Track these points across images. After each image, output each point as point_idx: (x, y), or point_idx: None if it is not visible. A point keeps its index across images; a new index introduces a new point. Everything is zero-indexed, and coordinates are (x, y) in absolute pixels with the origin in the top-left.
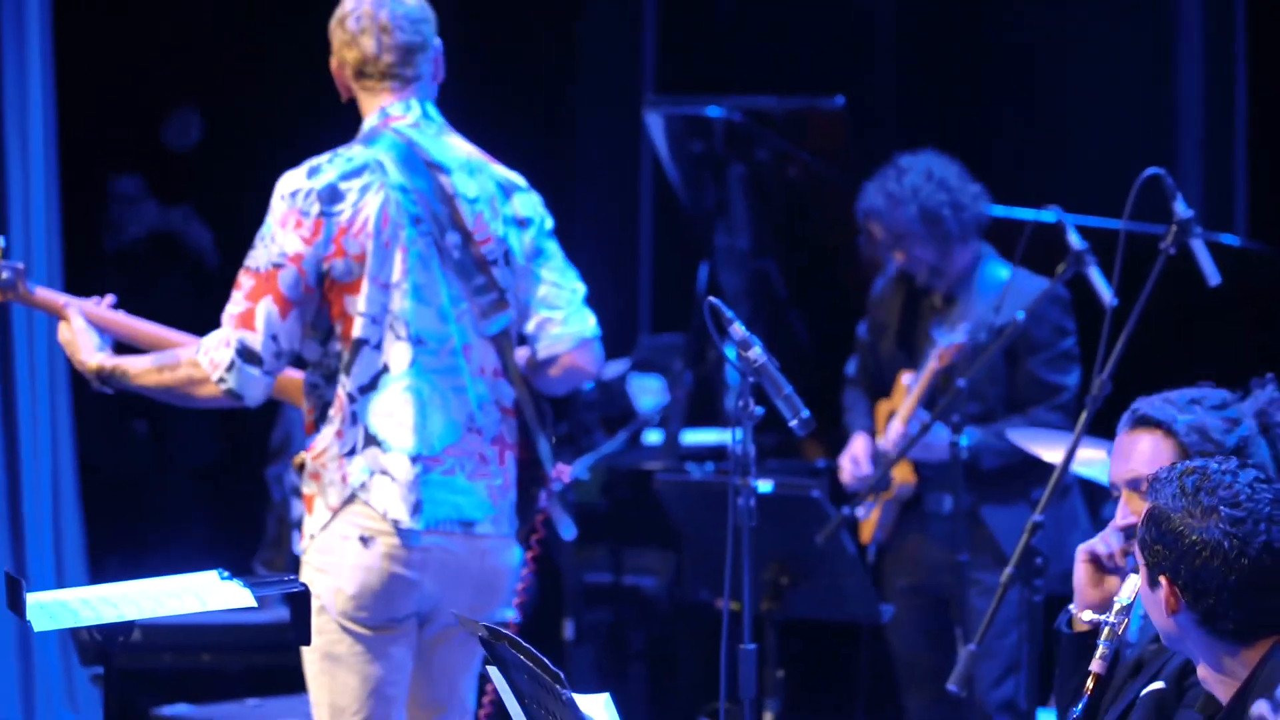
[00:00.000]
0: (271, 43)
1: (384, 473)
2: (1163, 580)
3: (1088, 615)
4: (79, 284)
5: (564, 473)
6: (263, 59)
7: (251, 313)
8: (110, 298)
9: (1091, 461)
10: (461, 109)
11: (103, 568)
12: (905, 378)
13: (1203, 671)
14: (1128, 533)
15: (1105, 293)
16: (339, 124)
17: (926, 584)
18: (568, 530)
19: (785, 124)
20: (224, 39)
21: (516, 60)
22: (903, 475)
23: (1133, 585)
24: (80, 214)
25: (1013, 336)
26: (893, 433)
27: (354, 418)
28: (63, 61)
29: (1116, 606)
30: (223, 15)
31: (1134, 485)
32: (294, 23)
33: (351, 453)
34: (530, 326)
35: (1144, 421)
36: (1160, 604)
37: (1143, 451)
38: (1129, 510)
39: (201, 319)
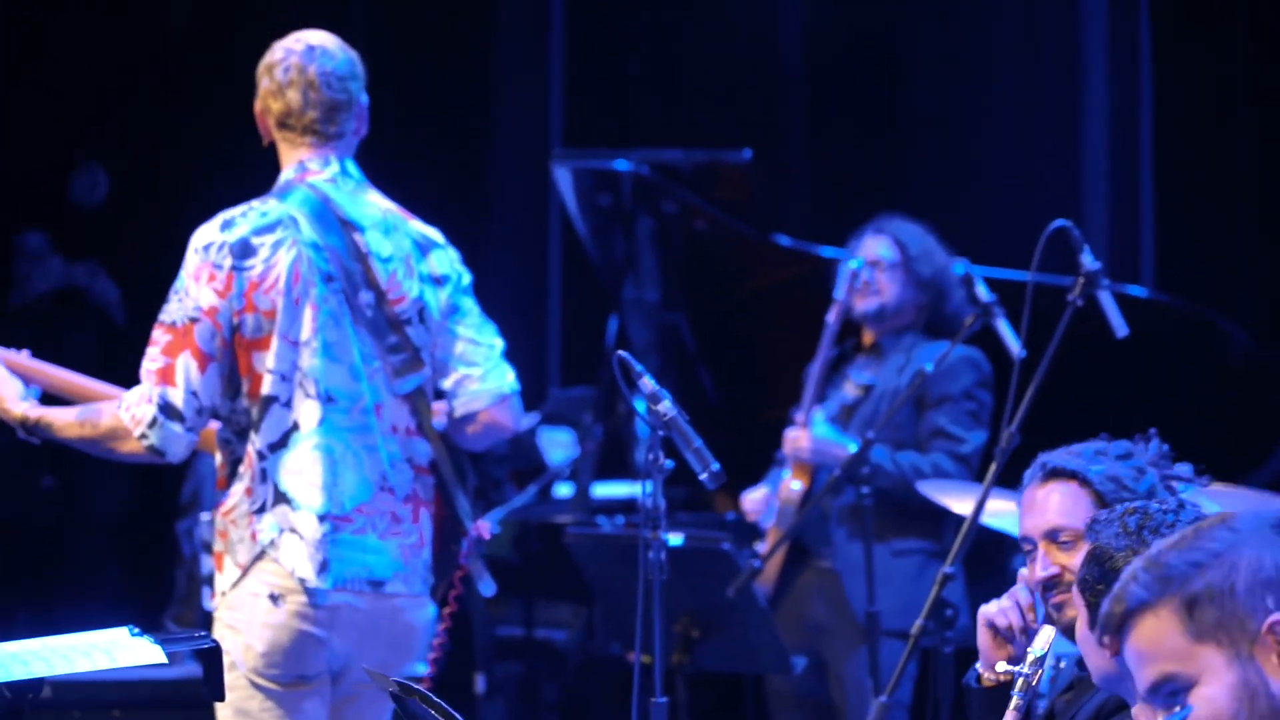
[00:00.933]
0: (178, 97)
1: (293, 530)
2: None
3: (1001, 667)
4: None
5: (484, 529)
6: (169, 113)
7: (171, 368)
8: (25, 351)
9: (1001, 513)
10: (374, 162)
11: (10, 623)
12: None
13: (1141, 711)
14: (1048, 584)
15: (1014, 344)
16: (247, 177)
17: (808, 645)
18: (487, 587)
19: (692, 177)
20: (129, 94)
21: (428, 114)
22: (799, 475)
23: (1046, 636)
24: None
25: (920, 388)
26: (786, 439)
27: (264, 475)
28: None
29: (1030, 658)
30: (128, 71)
31: (1052, 536)
32: (203, 78)
33: (261, 510)
34: (448, 383)
35: (1056, 473)
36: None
37: (1057, 502)
38: (1049, 562)
39: (109, 374)
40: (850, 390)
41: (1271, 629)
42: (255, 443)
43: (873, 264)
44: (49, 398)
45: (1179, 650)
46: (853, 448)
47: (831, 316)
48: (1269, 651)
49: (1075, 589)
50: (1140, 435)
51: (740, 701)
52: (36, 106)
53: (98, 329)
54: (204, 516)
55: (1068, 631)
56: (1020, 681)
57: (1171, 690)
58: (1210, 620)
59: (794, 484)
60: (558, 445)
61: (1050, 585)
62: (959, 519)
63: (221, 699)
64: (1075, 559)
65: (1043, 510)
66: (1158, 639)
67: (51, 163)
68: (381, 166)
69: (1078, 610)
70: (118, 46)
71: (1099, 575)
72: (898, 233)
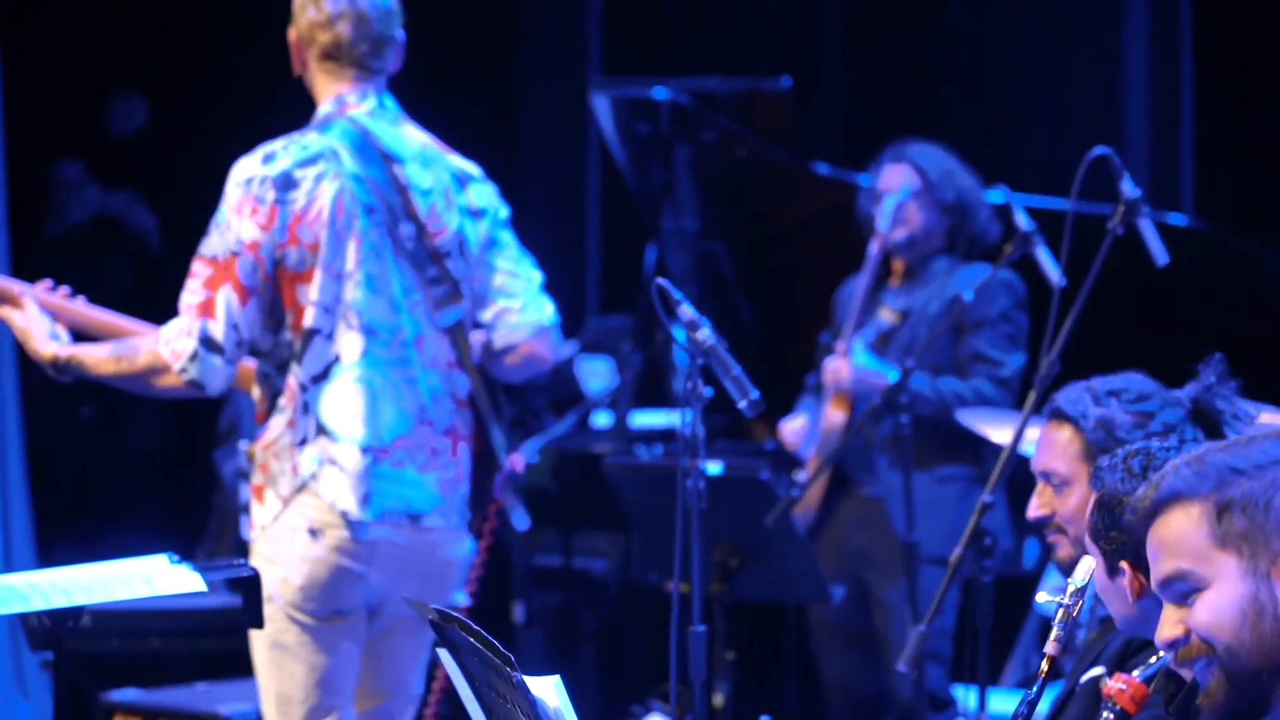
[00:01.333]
0: (214, 27)
1: (333, 463)
2: (1124, 566)
3: (1042, 597)
4: (22, 270)
5: (517, 462)
6: (205, 43)
7: (211, 301)
8: (65, 288)
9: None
10: (407, 96)
11: (51, 553)
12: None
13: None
14: (1039, 524)
15: (1053, 272)
16: (283, 109)
17: (850, 571)
18: (520, 520)
19: (731, 105)
20: (166, 24)
21: (461, 47)
22: (839, 406)
23: (1087, 566)
24: (23, 199)
25: (959, 314)
26: (825, 369)
27: (305, 407)
28: (4, 47)
29: (1070, 588)
30: (166, 1)
31: (1045, 478)
32: (238, 7)
33: (303, 443)
34: (487, 316)
35: (1056, 415)
36: (1123, 591)
37: (1049, 445)
38: (1037, 503)
39: (145, 304)
40: (886, 316)
41: None
42: (297, 375)
43: (894, 192)
44: (80, 337)
45: (1199, 550)
46: (893, 376)
47: (874, 248)
48: None
49: (1089, 538)
50: (1205, 362)
51: (779, 630)
52: (74, 35)
53: (133, 258)
54: (242, 445)
55: (1064, 570)
56: (1060, 612)
57: (1183, 590)
58: (1237, 529)
59: (834, 413)
60: (596, 374)
61: (1041, 524)
62: (999, 445)
63: (260, 627)
64: (1066, 502)
65: (1039, 450)
66: (1181, 534)
67: (89, 92)
68: (416, 99)
69: (1095, 558)
70: None
71: (1110, 522)
72: (917, 158)
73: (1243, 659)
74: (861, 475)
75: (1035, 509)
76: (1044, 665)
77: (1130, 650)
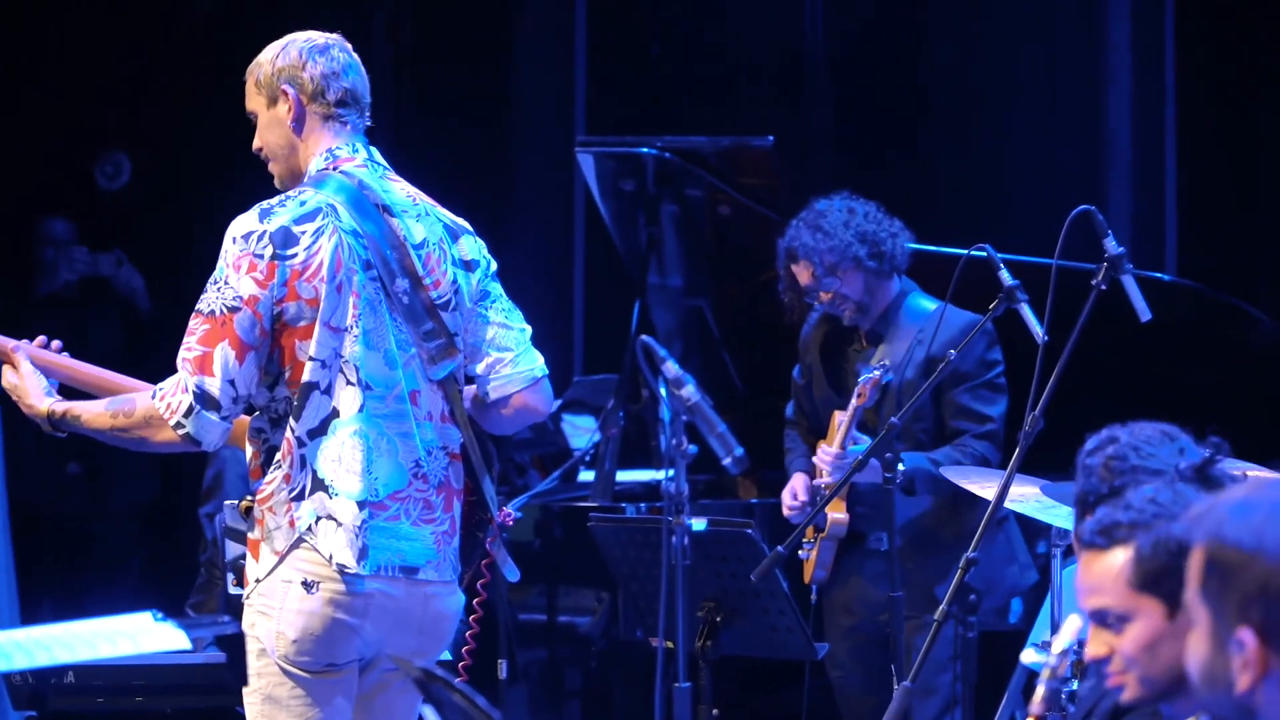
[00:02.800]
0: (202, 84)
1: (330, 518)
2: (1247, 636)
3: (1028, 656)
4: (9, 329)
5: (508, 516)
6: (193, 101)
7: (209, 357)
8: (57, 342)
9: (1024, 497)
10: (397, 149)
11: (37, 610)
12: (838, 417)
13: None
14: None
15: (1037, 329)
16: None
17: (866, 624)
18: (511, 572)
19: (716, 162)
20: (153, 82)
21: (450, 103)
22: (835, 510)
23: (1072, 627)
24: (9, 258)
25: (945, 373)
26: (822, 462)
27: (302, 462)
28: None
29: (1055, 649)
30: (153, 59)
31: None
32: (226, 64)
33: (299, 497)
34: (480, 368)
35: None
36: (1244, 666)
37: (1098, 578)
38: (1091, 643)
39: (135, 363)
40: (875, 370)
41: None
42: (294, 429)
43: (814, 286)
44: (70, 392)
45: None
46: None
47: (846, 415)
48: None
49: (1198, 599)
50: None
51: (764, 687)
52: (61, 94)
53: (123, 317)
54: (227, 503)
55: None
56: (1046, 670)
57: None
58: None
59: (837, 515)
60: (581, 431)
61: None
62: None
63: (245, 684)
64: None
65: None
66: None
67: (76, 151)
68: (405, 153)
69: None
70: (141, 33)
71: (1235, 583)
72: (801, 246)
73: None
74: (874, 532)
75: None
76: None
77: (1124, 707)
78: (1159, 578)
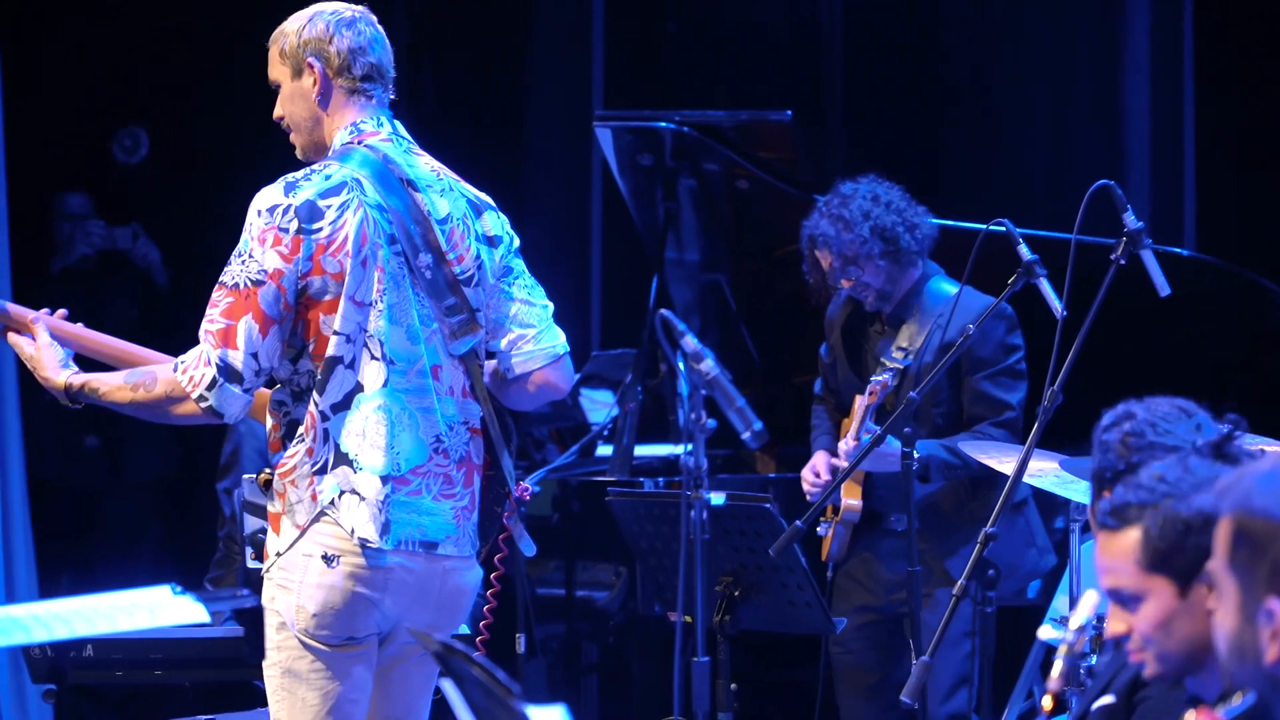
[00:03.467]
0: (218, 61)
1: (353, 491)
2: (1277, 606)
3: (1045, 631)
4: (25, 302)
5: (526, 491)
6: (209, 77)
7: (232, 330)
8: (63, 311)
9: (1043, 473)
10: (414, 124)
11: (53, 583)
12: (859, 401)
13: None
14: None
15: (1056, 304)
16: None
17: (881, 602)
18: (528, 547)
19: (734, 137)
20: (170, 57)
21: (468, 78)
22: (850, 494)
23: (1089, 603)
24: (27, 232)
25: (962, 349)
26: (843, 449)
27: (325, 435)
28: (8, 79)
29: (1073, 625)
30: (168, 33)
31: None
32: (244, 39)
33: (322, 471)
34: (502, 344)
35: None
36: (1274, 637)
37: (1112, 558)
38: (1110, 620)
39: (151, 337)
40: (885, 374)
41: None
42: (317, 403)
43: (836, 272)
44: (87, 363)
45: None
46: (895, 444)
47: (862, 402)
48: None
49: (1226, 570)
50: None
51: (782, 662)
52: (79, 68)
53: (139, 291)
54: (246, 477)
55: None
56: (1064, 646)
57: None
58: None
59: (851, 500)
60: (599, 405)
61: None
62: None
63: (262, 658)
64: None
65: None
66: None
67: (94, 125)
68: (423, 130)
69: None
70: (159, 5)
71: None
72: (822, 235)
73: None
74: (891, 512)
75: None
76: (1045, 702)
77: (1142, 679)
78: (1168, 557)
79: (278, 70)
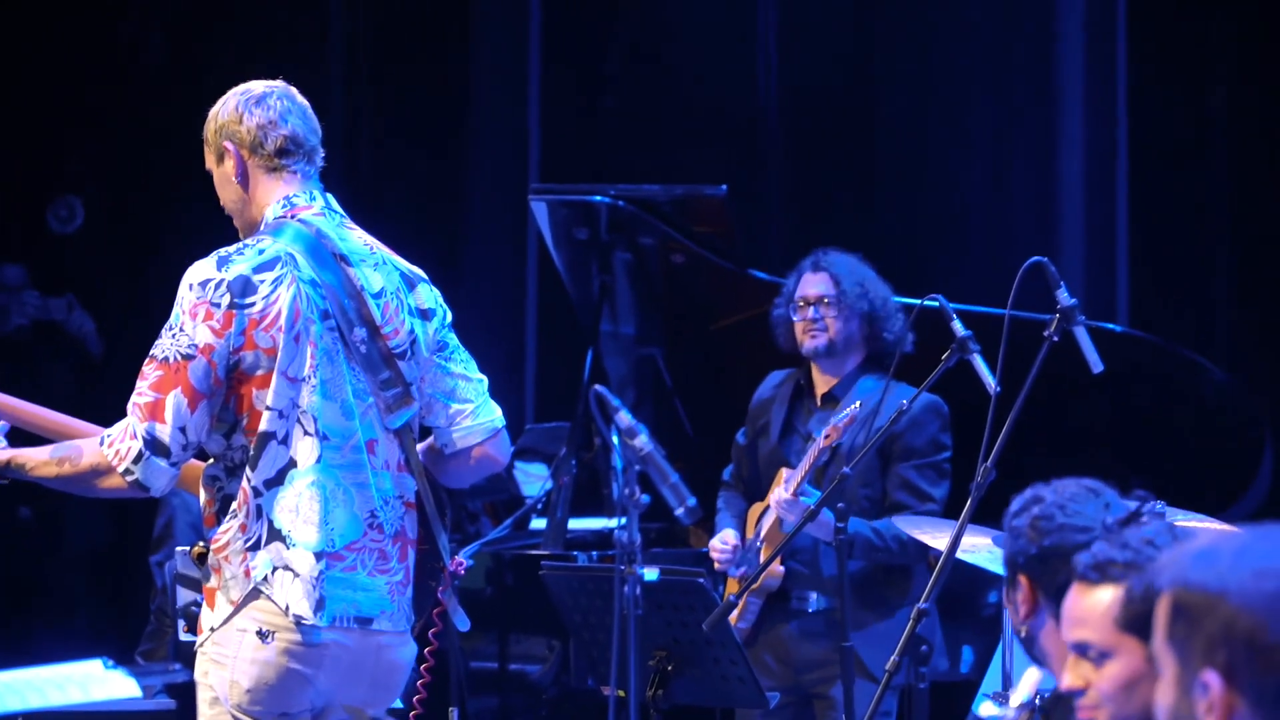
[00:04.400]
0: (153, 129)
1: (287, 568)
2: (1212, 679)
3: (985, 711)
4: None
5: (460, 565)
6: (145, 147)
7: (161, 404)
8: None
9: (976, 548)
10: (351, 196)
11: None
12: (784, 474)
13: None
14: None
15: (989, 379)
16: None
17: (792, 684)
18: (462, 622)
19: (669, 211)
20: (105, 128)
21: (405, 147)
22: (769, 565)
23: (1031, 680)
24: None
25: (897, 423)
26: (774, 500)
27: (259, 511)
28: None
29: (1014, 702)
30: (103, 104)
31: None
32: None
33: (255, 547)
34: (441, 420)
35: (1086, 578)
36: (1208, 710)
37: (1086, 611)
38: (1069, 675)
39: (86, 408)
40: (842, 417)
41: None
42: (250, 479)
43: (815, 302)
44: (20, 434)
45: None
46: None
47: (802, 465)
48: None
49: (1168, 645)
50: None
51: None
52: (13, 140)
53: (74, 362)
54: (179, 550)
55: None
56: None
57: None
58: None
59: (775, 566)
60: (533, 479)
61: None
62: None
63: None
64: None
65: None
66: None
67: (29, 196)
68: (359, 202)
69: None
70: (92, 79)
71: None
72: (833, 267)
73: None
74: (799, 591)
75: (1069, 681)
76: None
77: None
78: (1145, 620)
79: (209, 159)
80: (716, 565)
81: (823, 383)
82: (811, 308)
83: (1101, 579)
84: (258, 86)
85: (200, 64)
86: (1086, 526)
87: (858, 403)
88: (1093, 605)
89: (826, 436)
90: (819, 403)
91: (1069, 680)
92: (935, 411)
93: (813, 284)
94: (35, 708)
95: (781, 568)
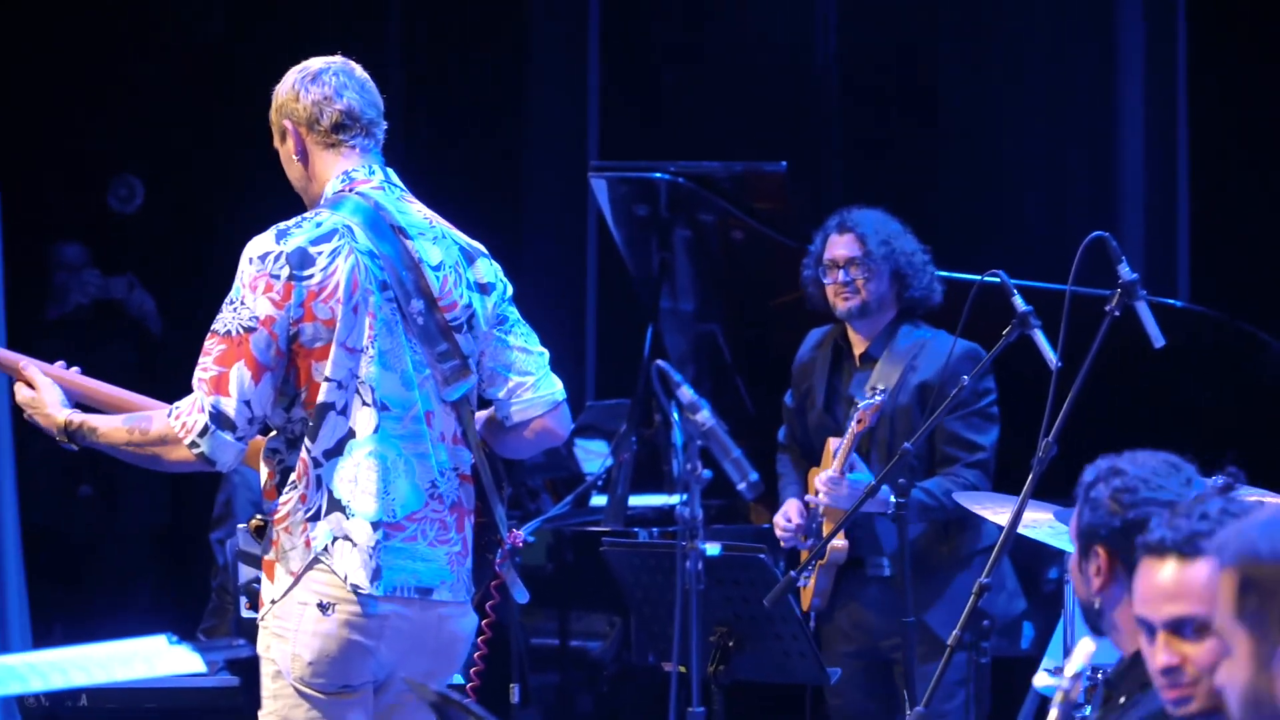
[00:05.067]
0: (213, 110)
1: (346, 538)
2: None
3: (1041, 679)
4: (22, 352)
5: (518, 537)
6: (204, 126)
7: (225, 377)
8: (61, 363)
9: (1038, 524)
10: (410, 175)
11: (48, 633)
12: (832, 443)
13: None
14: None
15: (1050, 355)
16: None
17: (870, 648)
18: (521, 594)
19: (729, 187)
20: (165, 107)
21: (464, 127)
22: (830, 541)
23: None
24: (23, 282)
25: (955, 401)
26: (820, 487)
27: (318, 482)
28: (5, 128)
29: (1070, 671)
30: (164, 84)
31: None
32: (238, 88)
33: (315, 518)
34: (501, 393)
35: (1187, 550)
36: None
37: (1191, 585)
38: (1165, 650)
39: (146, 386)
40: (877, 397)
41: None
42: (310, 450)
43: (844, 264)
44: (84, 410)
45: (1221, 610)
46: (883, 491)
47: (844, 440)
48: None
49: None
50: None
51: (777, 713)
52: (75, 118)
53: (135, 341)
54: (240, 527)
55: None
56: (1059, 694)
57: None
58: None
59: (837, 542)
60: (593, 455)
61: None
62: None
63: (259, 707)
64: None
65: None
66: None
67: (91, 174)
68: (418, 178)
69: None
70: (155, 55)
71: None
72: (859, 227)
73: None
74: (873, 557)
75: (1165, 657)
76: None
77: None
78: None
79: (275, 138)
80: (781, 543)
81: (859, 342)
82: (841, 270)
83: (1195, 552)
84: (315, 63)
85: (260, 40)
86: (1171, 501)
87: (881, 385)
88: (1190, 578)
89: (859, 421)
90: (858, 363)
91: (1164, 659)
92: (972, 359)
93: (840, 245)
94: (100, 683)
95: (845, 542)
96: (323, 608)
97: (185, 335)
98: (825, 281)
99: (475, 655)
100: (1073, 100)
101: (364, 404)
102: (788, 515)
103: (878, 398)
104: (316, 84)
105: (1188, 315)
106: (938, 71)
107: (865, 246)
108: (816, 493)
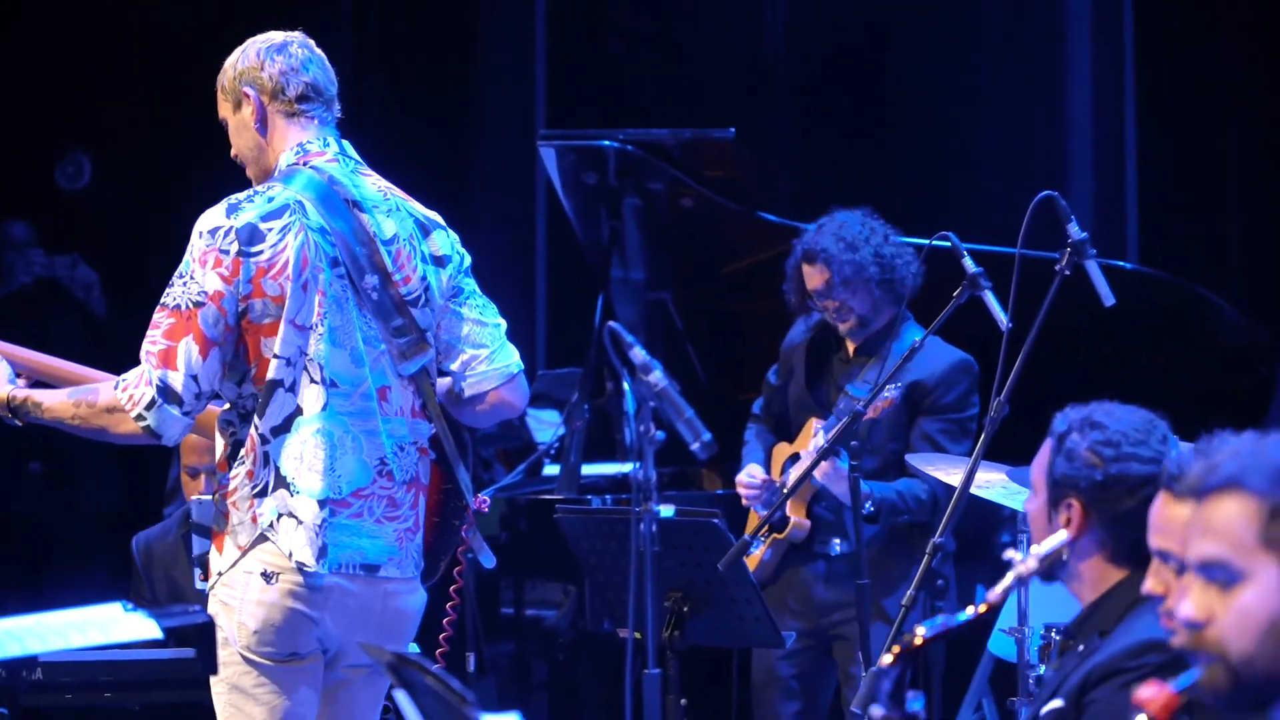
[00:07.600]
0: (162, 85)
1: (291, 515)
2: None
3: (1010, 553)
4: None
5: (484, 503)
6: (152, 103)
7: (172, 351)
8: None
9: (990, 484)
10: (359, 144)
11: (1, 610)
12: (815, 424)
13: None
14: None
15: (1001, 316)
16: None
17: (812, 625)
18: (488, 559)
19: (678, 155)
20: (113, 83)
21: (414, 97)
22: (797, 513)
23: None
24: None
25: (910, 361)
26: (806, 455)
27: (265, 458)
28: None
29: (1039, 551)
30: (111, 60)
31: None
32: (187, 64)
33: (262, 493)
34: (455, 365)
35: (1218, 488)
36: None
37: (1214, 525)
38: (1192, 601)
39: (92, 363)
40: (892, 392)
41: None
42: (258, 426)
43: (825, 292)
44: (38, 386)
45: (1245, 544)
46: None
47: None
48: None
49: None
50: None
51: (729, 675)
52: (22, 95)
53: (80, 319)
54: (196, 497)
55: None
56: (1019, 566)
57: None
58: None
59: (799, 519)
60: (545, 425)
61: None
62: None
63: (215, 672)
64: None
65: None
66: (1232, 522)
67: (37, 152)
68: (367, 148)
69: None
70: (103, 32)
71: None
72: (822, 255)
73: (1256, 666)
74: (822, 535)
75: (1189, 610)
76: (980, 608)
77: (1090, 682)
78: None
79: (223, 108)
80: (744, 501)
81: (860, 337)
82: (823, 298)
83: (1234, 486)
84: (277, 36)
85: (210, 21)
86: (1154, 458)
87: (897, 384)
88: (1222, 516)
89: (872, 410)
90: (851, 354)
91: (1188, 610)
92: (966, 370)
93: (813, 276)
94: (56, 650)
95: (807, 520)
96: (266, 576)
97: (133, 314)
98: (815, 310)
99: (445, 622)
100: (1023, 61)
101: (312, 381)
102: (751, 474)
103: (891, 393)
104: (283, 55)
105: (1137, 277)
106: (890, 34)
107: (834, 271)
108: (783, 470)
